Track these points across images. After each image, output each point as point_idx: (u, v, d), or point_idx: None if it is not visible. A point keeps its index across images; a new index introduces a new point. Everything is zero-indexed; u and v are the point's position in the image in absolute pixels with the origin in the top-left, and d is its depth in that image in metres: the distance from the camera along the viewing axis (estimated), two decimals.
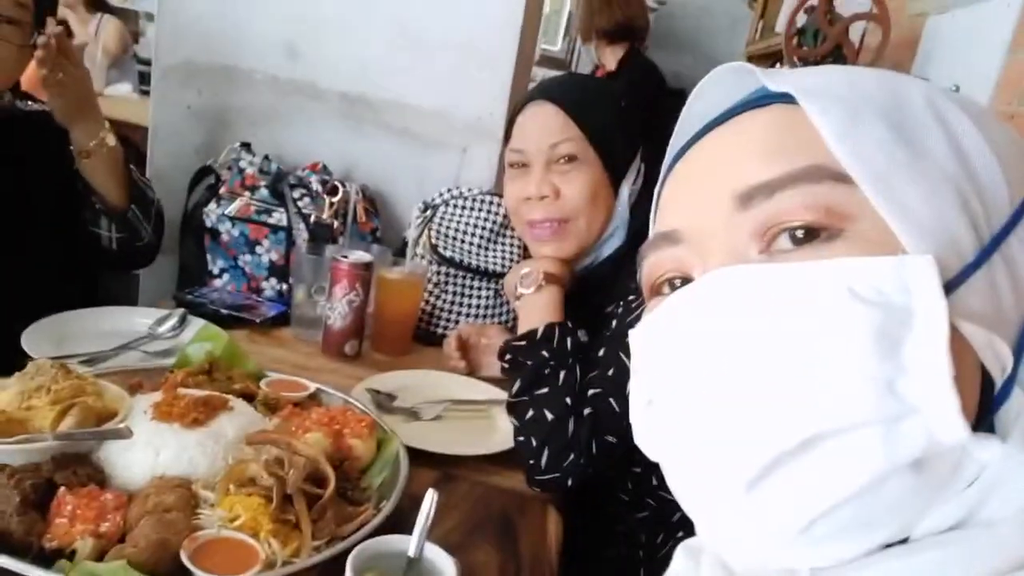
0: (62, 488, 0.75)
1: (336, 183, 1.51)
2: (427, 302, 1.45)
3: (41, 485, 0.75)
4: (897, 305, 0.35)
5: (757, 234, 0.40)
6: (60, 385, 0.85)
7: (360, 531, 0.81)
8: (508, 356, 1.07)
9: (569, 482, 0.99)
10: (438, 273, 1.46)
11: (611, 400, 1.00)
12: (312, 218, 1.47)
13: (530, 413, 1.01)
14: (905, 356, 0.34)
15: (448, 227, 1.48)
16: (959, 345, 0.35)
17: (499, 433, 1.12)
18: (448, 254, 1.45)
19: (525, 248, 1.33)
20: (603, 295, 1.13)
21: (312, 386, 1.09)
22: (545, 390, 1.02)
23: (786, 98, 0.42)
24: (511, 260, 1.46)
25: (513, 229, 1.44)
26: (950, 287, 0.36)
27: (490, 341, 1.33)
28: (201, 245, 1.51)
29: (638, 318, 1.04)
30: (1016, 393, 0.37)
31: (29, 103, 1.29)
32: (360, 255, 1.31)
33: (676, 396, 0.40)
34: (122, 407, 0.88)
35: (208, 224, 1.49)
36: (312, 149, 1.63)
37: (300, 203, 1.49)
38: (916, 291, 0.35)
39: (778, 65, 2.50)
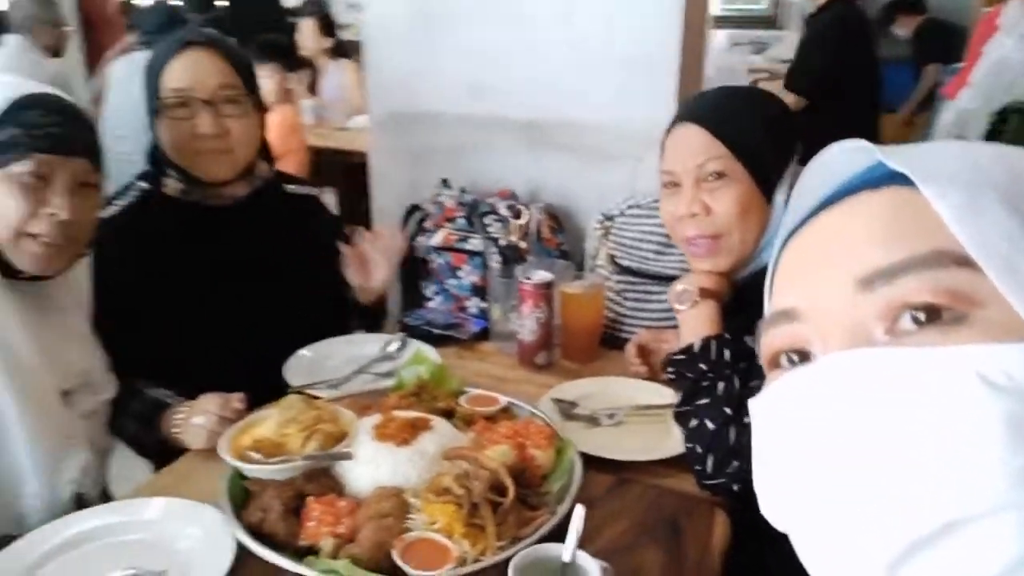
0: (310, 497, 0.98)
1: (520, 207, 1.67)
2: (610, 310, 1.56)
3: (295, 495, 0.99)
4: None
5: (880, 316, 0.41)
6: (305, 415, 1.09)
7: (537, 533, 0.95)
8: (670, 369, 1.14)
9: (735, 487, 1.04)
10: (618, 282, 1.55)
11: None
12: (501, 241, 1.64)
13: (693, 422, 1.08)
14: None
15: (625, 236, 1.56)
16: None
17: (673, 437, 1.19)
18: (625, 263, 1.54)
19: None
20: (764, 302, 1.15)
21: (503, 400, 1.25)
22: (705, 400, 1.08)
23: (903, 178, 0.43)
24: (687, 264, 1.51)
25: None
26: None
27: (669, 345, 1.39)
28: (416, 273, 1.76)
29: None
30: None
31: (292, 186, 1.57)
32: (542, 275, 1.45)
33: (806, 479, 0.41)
34: (352, 430, 1.11)
35: (419, 255, 1.73)
36: (501, 176, 1.81)
37: (491, 229, 1.67)
38: None
39: None
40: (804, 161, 1.16)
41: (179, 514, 0.99)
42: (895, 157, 0.44)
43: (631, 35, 1.64)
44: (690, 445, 1.09)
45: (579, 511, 0.80)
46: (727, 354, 1.09)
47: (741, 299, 1.19)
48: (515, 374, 1.48)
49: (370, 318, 1.59)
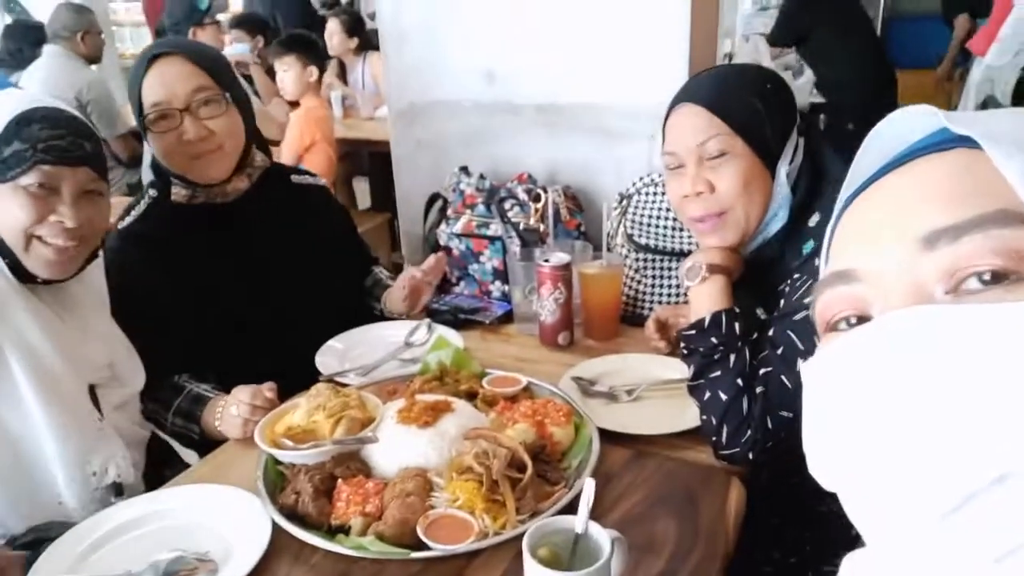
0: (340, 479, 1.04)
1: (538, 190, 1.69)
2: (629, 287, 1.58)
3: (326, 478, 1.04)
4: None
5: (943, 275, 0.41)
6: (333, 402, 1.14)
7: (555, 506, 0.99)
8: (682, 344, 1.17)
9: (750, 455, 1.07)
10: (636, 260, 1.57)
11: (782, 377, 1.06)
12: (521, 225, 1.67)
13: (707, 395, 1.11)
14: None
15: (642, 214, 1.58)
16: None
17: (691, 410, 1.22)
18: (643, 241, 1.56)
19: None
20: (773, 273, 1.17)
21: (524, 380, 1.29)
22: (717, 373, 1.10)
23: (968, 142, 0.43)
24: None
25: None
26: None
27: (687, 320, 1.41)
28: None
29: (803, 295, 1.08)
30: None
31: (297, 176, 1.63)
32: (560, 256, 1.48)
33: (862, 436, 0.41)
34: (378, 414, 1.16)
35: (442, 242, 1.77)
36: (518, 160, 1.83)
37: (510, 213, 1.70)
38: None
39: None
40: (806, 131, 1.18)
41: (218, 500, 1.05)
42: (960, 122, 0.45)
43: (641, 13, 1.65)
44: (704, 417, 1.12)
45: (590, 483, 0.83)
46: (737, 327, 1.11)
47: (750, 274, 1.21)
48: (538, 354, 1.52)
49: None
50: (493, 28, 1.81)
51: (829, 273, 0.49)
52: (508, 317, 1.66)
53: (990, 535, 0.37)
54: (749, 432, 1.06)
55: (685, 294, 1.55)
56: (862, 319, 0.46)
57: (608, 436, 1.14)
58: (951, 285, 0.41)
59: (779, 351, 1.07)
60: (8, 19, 5.15)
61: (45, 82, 3.58)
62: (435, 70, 1.89)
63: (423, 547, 0.94)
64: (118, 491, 1.16)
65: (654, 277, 1.57)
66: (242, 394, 1.24)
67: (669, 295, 1.56)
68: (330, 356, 1.49)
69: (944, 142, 0.45)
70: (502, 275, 1.71)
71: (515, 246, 1.67)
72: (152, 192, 1.47)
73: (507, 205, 1.72)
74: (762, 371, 1.08)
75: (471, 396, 1.25)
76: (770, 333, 1.10)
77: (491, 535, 0.95)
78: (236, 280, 1.45)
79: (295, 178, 1.61)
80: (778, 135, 1.14)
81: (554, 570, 0.78)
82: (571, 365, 1.41)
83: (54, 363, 1.12)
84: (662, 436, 1.18)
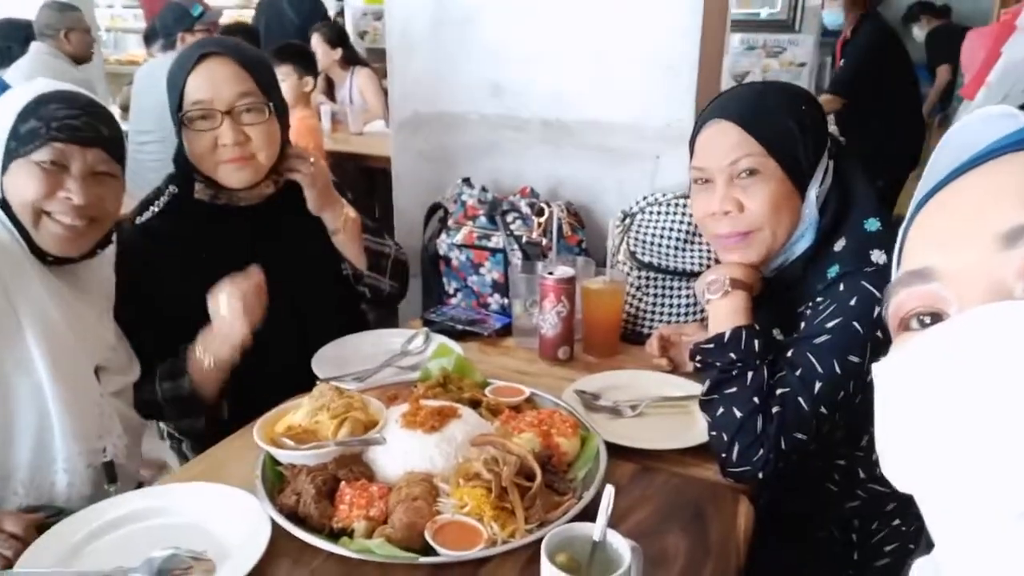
0: (343, 482, 1.01)
1: (542, 204, 1.69)
2: (631, 305, 1.58)
3: (329, 480, 1.01)
4: None
5: (1021, 273, 0.41)
6: (336, 403, 1.11)
7: (564, 516, 0.97)
8: (698, 358, 1.16)
9: (760, 475, 1.06)
10: (639, 278, 1.57)
11: (800, 399, 1.05)
12: (523, 239, 1.66)
13: (720, 411, 1.10)
14: None
15: (645, 232, 1.58)
16: None
17: (696, 427, 1.21)
18: (646, 259, 1.56)
19: None
20: (794, 295, 1.17)
21: (527, 391, 1.27)
22: (733, 389, 1.09)
23: None
24: (707, 259, 1.53)
25: None
26: None
27: (689, 338, 1.41)
28: (438, 270, 1.78)
29: (826, 320, 1.07)
30: None
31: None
32: (564, 270, 1.48)
33: (941, 436, 0.40)
34: (381, 418, 1.13)
35: (441, 252, 1.75)
36: (521, 175, 1.83)
37: (512, 226, 1.69)
38: None
39: None
40: (834, 156, 1.18)
41: (215, 499, 1.02)
42: None
43: (650, 35, 1.66)
44: (715, 433, 1.10)
45: (608, 491, 0.82)
46: (757, 344, 1.10)
47: (769, 293, 1.20)
48: (536, 368, 1.50)
49: (377, 303, 1.64)
50: (502, 43, 1.82)
51: (904, 272, 0.48)
52: (506, 330, 1.64)
53: None
54: (761, 451, 1.05)
55: (686, 314, 1.57)
56: (936, 317, 0.45)
57: (613, 450, 1.13)
58: None
59: (797, 373, 1.06)
60: None
61: (27, 80, 3.51)
62: (442, 82, 1.89)
63: (430, 552, 0.91)
64: (111, 477, 1.13)
65: (655, 295, 1.56)
66: (222, 289, 1.25)
67: (671, 314, 1.56)
68: (326, 360, 1.47)
69: (1022, 142, 0.45)
70: (502, 287, 1.70)
71: (517, 259, 1.66)
72: (172, 188, 1.44)
73: (510, 218, 1.71)
74: (779, 391, 1.07)
75: (474, 404, 1.23)
76: (789, 354, 1.09)
77: (500, 543, 0.93)
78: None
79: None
80: (811, 157, 1.13)
81: None
82: (570, 379, 1.40)
83: (67, 337, 1.12)
84: (667, 452, 1.17)
